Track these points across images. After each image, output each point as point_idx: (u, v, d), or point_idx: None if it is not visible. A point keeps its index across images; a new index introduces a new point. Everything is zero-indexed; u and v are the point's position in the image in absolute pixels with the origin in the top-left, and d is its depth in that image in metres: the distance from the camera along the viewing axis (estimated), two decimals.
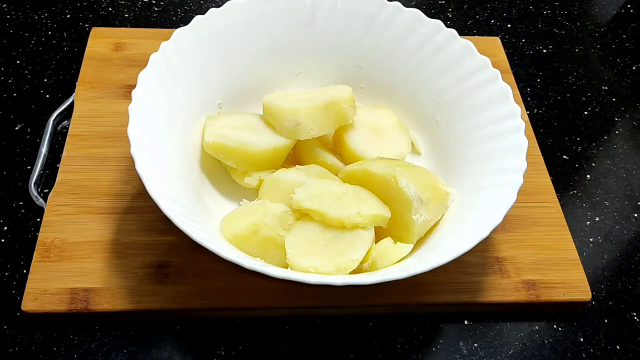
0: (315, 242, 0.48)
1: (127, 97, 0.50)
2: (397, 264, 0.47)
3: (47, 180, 0.57)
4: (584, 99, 0.71)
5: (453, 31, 0.56)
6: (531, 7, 0.81)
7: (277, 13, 0.58)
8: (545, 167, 0.61)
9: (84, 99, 0.61)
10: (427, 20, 0.57)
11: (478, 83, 0.54)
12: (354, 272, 0.47)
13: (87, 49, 0.65)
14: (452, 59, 0.56)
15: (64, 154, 0.57)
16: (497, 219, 0.45)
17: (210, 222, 0.50)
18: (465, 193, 0.51)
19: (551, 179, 0.60)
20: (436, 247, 0.48)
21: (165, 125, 0.51)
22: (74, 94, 0.62)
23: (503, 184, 0.48)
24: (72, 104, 0.61)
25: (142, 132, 0.47)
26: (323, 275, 0.45)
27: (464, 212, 0.50)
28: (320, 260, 0.47)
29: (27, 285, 0.49)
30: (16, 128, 0.61)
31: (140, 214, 0.53)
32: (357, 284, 0.42)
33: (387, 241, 0.49)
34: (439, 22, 0.56)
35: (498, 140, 0.51)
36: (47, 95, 0.64)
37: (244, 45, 0.57)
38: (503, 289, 0.52)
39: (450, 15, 0.79)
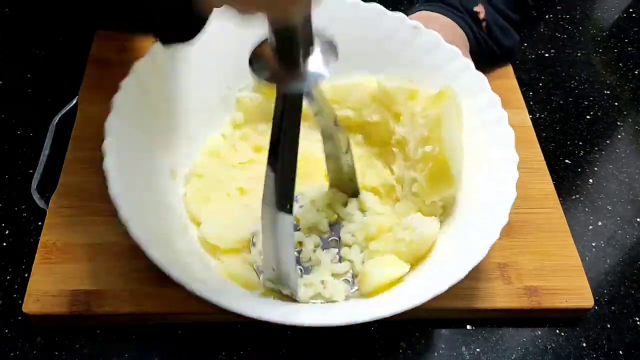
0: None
1: None
2: (392, 289, 0.47)
3: (50, 183, 0.56)
4: (586, 103, 0.71)
5: (417, 23, 0.56)
6: (533, 12, 0.81)
7: None
8: (547, 172, 0.60)
9: (87, 102, 0.61)
10: (390, 14, 0.56)
11: (451, 74, 0.54)
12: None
13: (90, 52, 0.65)
14: (420, 50, 0.55)
15: (67, 156, 0.57)
16: (493, 237, 0.45)
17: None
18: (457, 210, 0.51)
19: (553, 184, 0.60)
20: (433, 267, 0.48)
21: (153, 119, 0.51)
22: (76, 97, 0.62)
23: (489, 214, 0.48)
24: (74, 107, 0.61)
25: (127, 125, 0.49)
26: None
27: (459, 230, 0.50)
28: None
29: (28, 286, 0.49)
30: (19, 131, 0.61)
31: None
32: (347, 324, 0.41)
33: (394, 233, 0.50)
34: (402, 15, 0.56)
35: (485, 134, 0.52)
36: (49, 99, 0.64)
37: (245, 45, 0.57)
38: (505, 295, 0.52)
39: None
